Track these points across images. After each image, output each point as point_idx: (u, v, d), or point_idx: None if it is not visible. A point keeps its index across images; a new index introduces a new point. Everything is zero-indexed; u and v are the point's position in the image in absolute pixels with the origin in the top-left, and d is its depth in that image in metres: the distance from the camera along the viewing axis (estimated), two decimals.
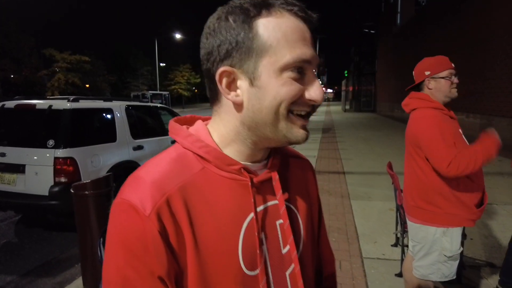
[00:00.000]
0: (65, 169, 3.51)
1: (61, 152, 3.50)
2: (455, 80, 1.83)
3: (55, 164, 3.48)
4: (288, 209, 0.66)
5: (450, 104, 1.92)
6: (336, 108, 42.11)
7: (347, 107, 35.62)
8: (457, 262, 1.92)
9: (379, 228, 3.81)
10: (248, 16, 0.54)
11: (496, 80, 9.64)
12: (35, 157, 3.56)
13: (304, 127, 0.58)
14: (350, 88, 36.73)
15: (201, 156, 0.59)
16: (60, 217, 4.19)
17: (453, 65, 1.85)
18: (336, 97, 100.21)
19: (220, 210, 0.57)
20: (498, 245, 3.31)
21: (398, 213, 3.13)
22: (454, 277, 1.95)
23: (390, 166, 3.19)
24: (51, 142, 3.53)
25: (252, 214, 0.59)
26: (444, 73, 1.83)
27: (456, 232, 1.86)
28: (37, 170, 3.53)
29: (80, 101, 4.02)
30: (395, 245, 3.36)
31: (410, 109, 1.96)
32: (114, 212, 0.53)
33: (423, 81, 1.91)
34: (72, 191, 2.34)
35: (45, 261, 3.32)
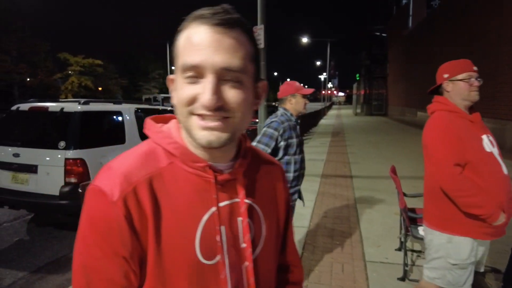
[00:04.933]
0: (75, 169, 3.61)
1: (71, 153, 3.61)
2: (475, 83, 1.79)
3: (65, 165, 3.59)
4: (251, 209, 0.70)
5: (475, 108, 1.88)
6: (347, 111, 41.88)
7: (358, 110, 35.37)
8: (467, 272, 1.82)
9: (383, 232, 3.80)
10: (179, 30, 0.61)
11: (508, 84, 9.49)
12: (47, 158, 3.67)
13: (206, 128, 0.58)
14: (362, 92, 36.48)
15: (169, 152, 0.64)
16: (70, 217, 4.30)
17: (474, 68, 1.82)
18: (348, 100, 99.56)
19: (182, 202, 0.61)
20: (504, 251, 3.26)
21: (401, 217, 3.13)
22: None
23: (393, 170, 3.21)
24: (62, 144, 3.64)
25: (213, 208, 0.63)
26: (462, 76, 1.80)
27: (463, 241, 1.77)
28: (48, 171, 3.65)
29: (90, 104, 4.14)
30: (399, 249, 3.35)
31: (429, 112, 1.96)
32: (86, 197, 0.60)
33: (442, 84, 1.89)
34: (80, 190, 2.42)
35: (55, 258, 3.42)
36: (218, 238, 0.63)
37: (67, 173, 3.60)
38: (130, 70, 48.13)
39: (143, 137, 4.32)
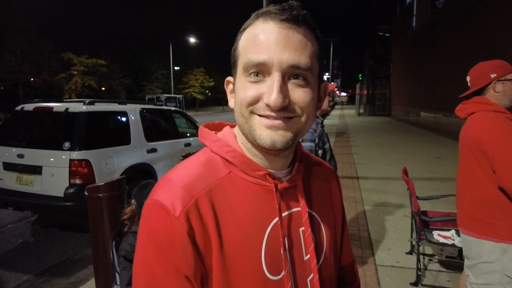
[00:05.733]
0: (80, 171, 3.57)
1: (76, 154, 3.57)
2: None
3: (70, 166, 3.54)
4: (311, 217, 0.67)
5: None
6: (350, 111, 41.71)
7: (361, 110, 35.21)
8: None
9: (393, 235, 3.73)
10: (242, 29, 0.59)
11: None
12: (51, 159, 3.63)
13: (270, 127, 0.55)
14: (365, 92, 36.31)
15: (228, 161, 0.61)
16: (75, 218, 4.26)
17: None
18: (350, 100, 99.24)
19: (244, 213, 0.58)
20: None
21: (413, 220, 3.06)
22: None
23: (405, 171, 3.13)
24: (67, 144, 3.60)
25: (276, 219, 0.60)
26: (511, 76, 1.72)
27: None
28: (53, 172, 3.60)
29: (95, 104, 4.09)
30: (410, 252, 3.28)
31: (466, 114, 1.82)
32: (146, 212, 0.56)
33: (487, 84, 1.76)
34: (86, 193, 2.37)
35: (60, 261, 3.37)
36: (282, 251, 0.59)
37: (72, 174, 3.55)
38: (134, 70, 48.19)
39: (149, 138, 4.28)
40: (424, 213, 3.09)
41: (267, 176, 0.60)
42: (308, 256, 0.64)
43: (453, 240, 2.64)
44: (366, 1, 34.19)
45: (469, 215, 1.77)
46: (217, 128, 0.71)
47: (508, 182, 1.55)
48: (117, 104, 4.61)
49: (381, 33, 33.21)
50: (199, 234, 0.54)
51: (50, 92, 31.70)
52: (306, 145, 2.17)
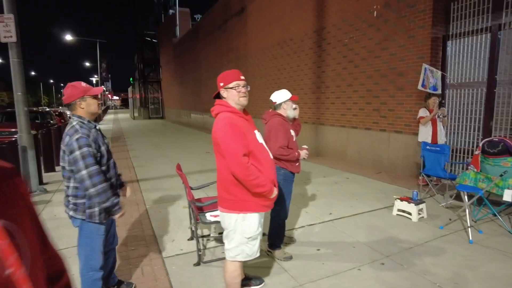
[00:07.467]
0: None
1: None
2: (242, 90, 2.16)
3: None
4: (8, 227, 0.60)
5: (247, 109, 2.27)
6: (124, 115, 40.39)
7: (136, 114, 34.88)
8: (258, 241, 2.27)
9: (175, 227, 4.02)
10: None
11: (257, 89, 12.01)
12: None
13: None
14: (138, 96, 36.14)
15: None
16: None
17: (242, 77, 2.19)
18: (124, 104, 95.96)
19: None
20: (266, 218, 4.18)
21: (190, 209, 3.42)
22: (258, 255, 2.29)
23: (179, 167, 3.45)
24: None
25: None
26: (232, 84, 2.15)
27: (253, 217, 2.18)
28: None
29: None
30: (192, 238, 3.65)
31: (214, 114, 2.21)
32: None
33: (220, 91, 2.20)
34: None
35: None
36: None
37: None
38: None
39: None
40: (199, 200, 3.53)
41: None
42: (11, 269, 0.58)
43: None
44: (132, 6, 33.60)
45: (221, 195, 2.25)
46: None
47: (234, 170, 2.07)
48: None
49: (149, 39, 33.91)
50: None
51: None
52: (84, 150, 2.12)
